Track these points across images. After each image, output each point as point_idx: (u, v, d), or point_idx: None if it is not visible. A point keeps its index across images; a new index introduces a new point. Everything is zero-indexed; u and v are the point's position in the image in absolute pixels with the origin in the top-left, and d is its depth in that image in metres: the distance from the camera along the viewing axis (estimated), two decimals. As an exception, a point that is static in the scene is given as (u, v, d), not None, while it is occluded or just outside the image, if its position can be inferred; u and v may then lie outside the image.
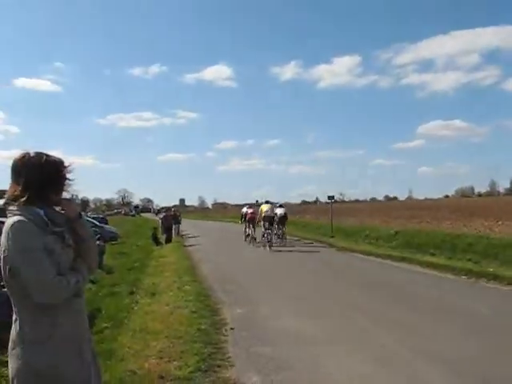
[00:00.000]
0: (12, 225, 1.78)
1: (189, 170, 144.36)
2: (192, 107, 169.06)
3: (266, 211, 15.63)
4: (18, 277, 1.76)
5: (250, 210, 17.44)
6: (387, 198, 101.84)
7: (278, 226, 16.74)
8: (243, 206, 22.32)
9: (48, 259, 1.78)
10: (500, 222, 17.42)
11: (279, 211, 16.79)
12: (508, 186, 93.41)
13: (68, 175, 1.97)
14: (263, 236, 15.61)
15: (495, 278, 8.49)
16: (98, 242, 10.58)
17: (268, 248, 14.82)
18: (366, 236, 16.54)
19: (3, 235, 1.80)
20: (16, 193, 1.86)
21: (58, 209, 1.96)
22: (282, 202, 22.91)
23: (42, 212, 1.86)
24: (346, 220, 23.19)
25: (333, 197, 20.94)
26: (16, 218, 1.80)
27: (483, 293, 7.69)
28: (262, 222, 15.74)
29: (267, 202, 16.67)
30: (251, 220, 16.74)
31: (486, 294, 7.63)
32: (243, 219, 18.21)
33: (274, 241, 15.61)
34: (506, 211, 21.64)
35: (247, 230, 17.60)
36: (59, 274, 1.80)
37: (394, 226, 18.52)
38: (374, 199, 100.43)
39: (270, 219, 15.46)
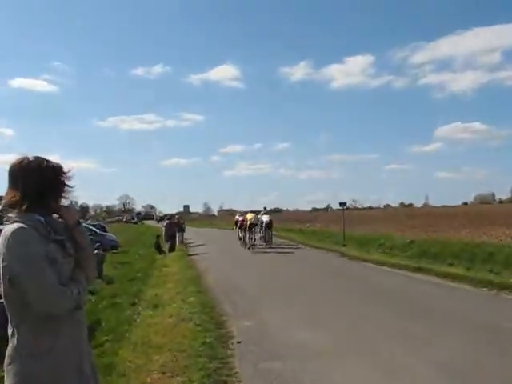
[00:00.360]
0: (12, 232, 1.72)
1: (193, 175, 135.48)
2: (197, 109, 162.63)
3: (251, 219, 18.38)
4: (19, 286, 1.70)
5: (241, 218, 19.99)
6: (402, 204, 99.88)
7: (266, 231, 19.55)
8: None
9: (50, 268, 1.72)
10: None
11: (265, 218, 19.56)
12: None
13: (68, 181, 1.93)
14: (249, 240, 18.40)
15: (517, 289, 8.10)
16: (96, 251, 10.52)
17: (251, 249, 17.51)
18: (379, 245, 16.14)
19: (2, 243, 1.72)
20: (14, 199, 1.79)
21: (55, 216, 1.91)
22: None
23: (42, 219, 1.81)
24: (359, 228, 22.78)
25: (345, 203, 20.43)
26: (16, 225, 1.74)
27: (504, 305, 7.34)
28: (247, 229, 18.51)
29: (252, 212, 20.31)
30: (242, 226, 19.49)
31: (508, 306, 7.29)
32: (236, 226, 20.86)
33: (257, 244, 18.69)
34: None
35: (240, 235, 20.25)
36: (60, 283, 1.75)
37: (409, 234, 18.12)
38: (388, 206, 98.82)
39: (253, 226, 18.43)
